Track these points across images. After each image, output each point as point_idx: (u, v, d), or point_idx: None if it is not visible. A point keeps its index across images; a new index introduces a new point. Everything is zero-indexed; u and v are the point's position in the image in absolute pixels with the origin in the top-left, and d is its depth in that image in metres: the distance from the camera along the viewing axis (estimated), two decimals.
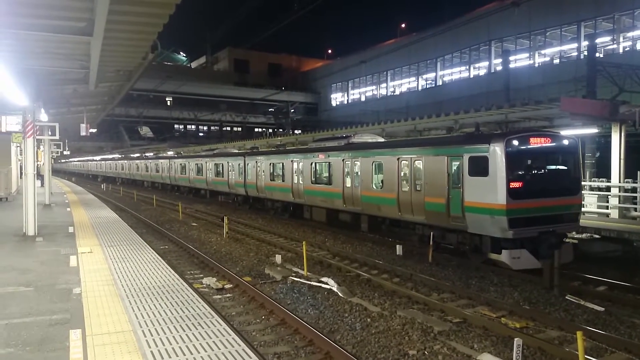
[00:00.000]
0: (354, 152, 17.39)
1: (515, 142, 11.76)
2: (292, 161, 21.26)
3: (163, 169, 41.62)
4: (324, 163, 19.26)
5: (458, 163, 12.62)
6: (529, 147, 12.08)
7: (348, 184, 17.45)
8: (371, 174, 16.16)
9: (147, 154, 51.67)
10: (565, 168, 12.90)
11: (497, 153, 11.63)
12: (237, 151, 31.93)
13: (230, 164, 28.07)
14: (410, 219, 14.43)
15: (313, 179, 19.80)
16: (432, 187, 13.34)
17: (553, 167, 13.01)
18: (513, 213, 11.37)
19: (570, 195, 12.43)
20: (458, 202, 12.48)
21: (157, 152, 50.82)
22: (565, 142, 12.60)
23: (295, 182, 20.89)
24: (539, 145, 12.23)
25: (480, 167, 11.98)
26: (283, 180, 21.98)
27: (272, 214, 24.00)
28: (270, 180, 23.16)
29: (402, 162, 14.69)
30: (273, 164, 23.08)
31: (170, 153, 47.24)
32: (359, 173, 16.83)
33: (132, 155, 56.35)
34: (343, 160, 17.72)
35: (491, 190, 11.63)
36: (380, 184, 15.72)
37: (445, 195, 12.84)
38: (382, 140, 19.44)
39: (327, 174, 19.05)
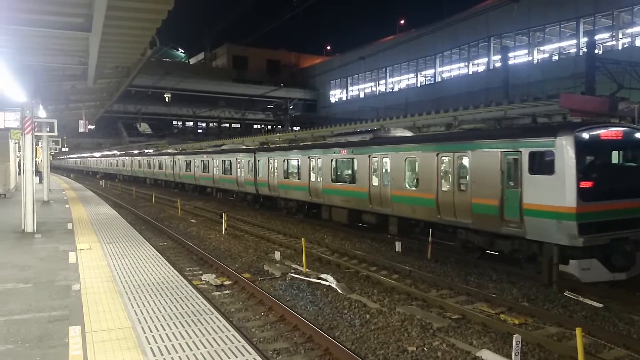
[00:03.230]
0: (383, 147, 15.75)
1: (586, 135, 10.26)
2: (309, 157, 19.83)
3: (167, 166, 40.14)
4: (347, 159, 17.82)
5: (515, 159, 11.08)
6: (601, 140, 10.53)
7: (375, 182, 15.87)
8: (404, 172, 14.62)
9: (149, 150, 50.27)
10: None
11: (565, 147, 10.10)
12: (246, 147, 30.26)
13: (239, 160, 26.51)
14: (451, 222, 12.91)
15: (333, 177, 18.34)
16: (481, 186, 11.83)
17: (628, 164, 11.47)
18: (584, 217, 9.91)
19: None
20: (514, 204, 10.96)
21: (160, 148, 49.30)
22: None
23: (313, 180, 19.45)
24: (613, 138, 10.66)
25: (544, 163, 10.53)
26: (299, 178, 20.59)
27: (285, 214, 22.67)
28: (284, 178, 21.76)
29: (443, 158, 13.13)
30: (287, 160, 21.69)
31: (174, 149, 45.43)
32: (388, 170, 15.28)
33: (134, 151, 54.93)
34: (369, 156, 16.15)
35: (558, 190, 10.14)
36: (415, 182, 14.18)
37: (498, 196, 11.32)
38: (410, 134, 17.85)
39: (350, 172, 17.66)
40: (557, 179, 10.22)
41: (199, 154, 33.71)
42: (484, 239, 12.27)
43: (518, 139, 11.23)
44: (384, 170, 15.57)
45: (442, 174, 13.20)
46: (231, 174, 27.63)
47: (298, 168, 20.76)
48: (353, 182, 17.12)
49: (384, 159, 15.54)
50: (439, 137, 15.37)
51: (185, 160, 35.88)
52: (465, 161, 12.43)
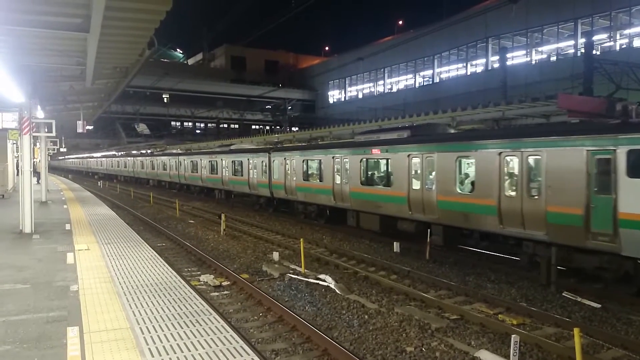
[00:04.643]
0: (427, 145, 13.91)
1: None
2: (333, 158, 18.02)
3: (171, 167, 38.25)
4: (380, 160, 16.16)
5: (606, 159, 9.48)
6: None
7: (416, 185, 14.12)
8: (454, 174, 12.84)
9: (153, 151, 48.72)
10: None
11: None
12: (258, 147, 28.63)
13: (251, 161, 24.64)
14: (517, 234, 11.25)
15: (363, 179, 16.55)
16: (560, 192, 10.17)
17: None
18: None
19: None
20: (606, 214, 9.39)
21: (164, 148, 47.69)
22: None
23: (338, 182, 17.69)
24: None
25: None
26: (321, 181, 18.89)
27: (302, 219, 21.06)
28: (304, 180, 20.01)
29: (508, 158, 11.45)
30: (307, 160, 20.04)
31: (178, 149, 43.82)
32: (434, 172, 13.54)
33: (136, 152, 53.35)
34: (409, 156, 14.34)
35: None
36: (470, 186, 12.59)
37: (583, 204, 9.71)
38: (452, 130, 16.31)
39: (384, 174, 16.10)
40: None
41: (207, 154, 31.94)
42: (559, 254, 10.44)
43: (611, 135, 9.51)
44: (427, 172, 13.82)
45: (506, 177, 11.51)
46: (242, 176, 25.84)
47: (320, 169, 19.06)
48: (388, 185, 15.38)
49: (429, 158, 13.71)
50: (503, 133, 13.30)
51: (191, 161, 34.22)
52: (538, 162, 10.72)
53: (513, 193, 11.28)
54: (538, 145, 10.73)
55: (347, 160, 17.37)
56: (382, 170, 16.46)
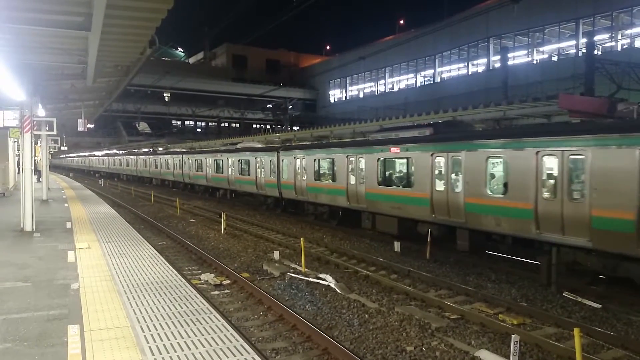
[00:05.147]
0: (451, 144, 13.11)
1: None
2: (347, 157, 17.28)
3: (175, 166, 37.72)
4: (400, 159, 15.50)
5: None
6: None
7: (440, 187, 13.36)
8: (484, 175, 12.06)
9: (156, 149, 48.21)
10: None
11: None
12: (266, 145, 27.90)
13: (259, 160, 23.93)
14: (556, 240, 10.39)
15: (380, 180, 15.80)
16: (607, 195, 9.40)
17: None
18: None
19: None
20: None
21: (168, 147, 47.19)
22: None
23: (353, 183, 16.96)
24: None
25: None
26: (334, 181, 18.15)
27: (313, 220, 20.44)
28: (315, 180, 19.30)
29: (545, 157, 10.61)
30: (319, 160, 19.30)
31: (181, 148, 43.02)
32: (460, 173, 12.75)
33: (139, 150, 52.79)
34: (432, 155, 13.58)
35: None
36: (502, 188, 11.71)
37: (635, 208, 9.00)
38: (479, 127, 15.11)
39: (403, 174, 15.51)
40: None
41: (212, 153, 31.30)
42: (605, 262, 9.83)
43: None
44: (453, 172, 13.01)
45: (543, 178, 10.68)
46: (249, 175, 25.09)
47: (333, 169, 18.30)
48: (408, 186, 14.63)
49: (455, 157, 12.90)
50: (540, 130, 12.16)
51: (196, 160, 33.46)
52: (581, 162, 9.95)
53: (552, 196, 10.44)
54: (581, 143, 9.90)
55: (362, 159, 16.61)
56: (401, 170, 15.80)
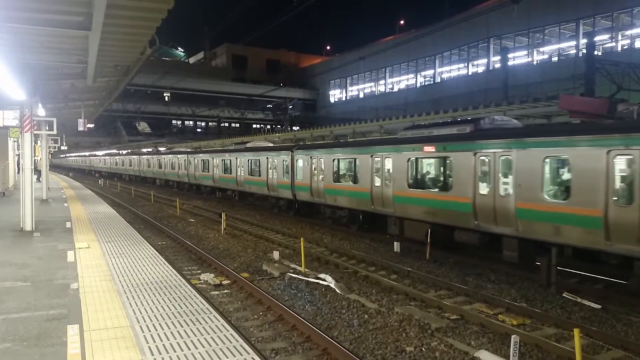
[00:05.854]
0: (500, 141, 11.71)
1: None
2: (372, 157, 16.01)
3: (180, 166, 36.61)
4: (434, 159, 14.29)
5: None
6: None
7: (483, 190, 12.04)
8: (541, 177, 10.69)
9: (160, 149, 47.40)
10: None
11: None
12: (279, 144, 26.82)
13: (271, 160, 22.84)
14: (628, 252, 9.18)
15: (411, 182, 14.48)
16: None
17: None
18: None
19: None
20: None
21: (172, 147, 46.30)
22: None
23: (378, 185, 15.69)
24: None
25: None
26: (355, 182, 16.95)
27: (330, 224, 19.21)
28: (334, 181, 18.04)
29: (619, 157, 9.31)
30: (339, 160, 18.06)
31: (186, 147, 41.99)
32: (510, 174, 11.38)
33: (142, 149, 51.91)
34: (476, 154, 12.23)
35: None
36: (564, 193, 10.46)
37: None
38: (519, 124, 14.12)
39: (439, 175, 14.31)
40: None
41: (219, 153, 30.33)
42: None
43: None
44: (501, 173, 11.66)
45: (617, 181, 9.38)
46: (260, 176, 23.97)
47: (355, 170, 17.14)
48: (445, 190, 13.37)
49: (504, 157, 11.56)
50: (612, 126, 10.16)
51: (202, 160, 32.25)
52: None
53: (626, 202, 9.23)
54: None
55: (390, 159, 15.31)
56: (436, 171, 14.56)
